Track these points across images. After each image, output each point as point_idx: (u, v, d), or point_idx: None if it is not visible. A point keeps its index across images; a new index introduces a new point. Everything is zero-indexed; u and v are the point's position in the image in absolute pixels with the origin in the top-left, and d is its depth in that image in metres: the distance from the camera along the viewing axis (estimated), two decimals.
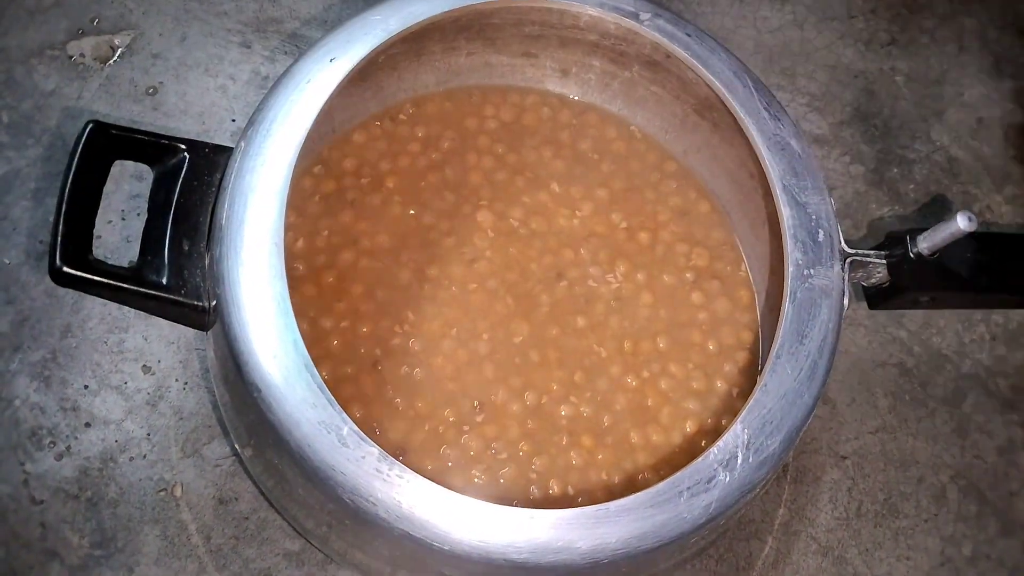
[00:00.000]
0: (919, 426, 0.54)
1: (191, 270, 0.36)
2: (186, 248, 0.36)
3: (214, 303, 0.35)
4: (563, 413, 0.40)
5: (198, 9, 0.60)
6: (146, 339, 0.51)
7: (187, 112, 0.57)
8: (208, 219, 0.37)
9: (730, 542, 0.50)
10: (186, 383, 0.51)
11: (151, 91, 0.57)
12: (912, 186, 0.61)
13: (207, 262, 0.36)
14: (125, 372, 0.51)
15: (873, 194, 0.60)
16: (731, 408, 0.40)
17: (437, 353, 0.40)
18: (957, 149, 0.63)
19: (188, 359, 0.51)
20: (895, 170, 0.61)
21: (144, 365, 0.51)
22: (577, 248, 0.44)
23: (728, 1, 0.64)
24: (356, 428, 0.32)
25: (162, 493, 0.48)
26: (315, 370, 0.33)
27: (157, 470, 0.49)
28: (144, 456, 0.49)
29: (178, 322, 0.38)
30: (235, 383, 0.35)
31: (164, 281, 0.36)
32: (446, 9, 0.40)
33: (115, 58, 0.58)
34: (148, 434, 0.49)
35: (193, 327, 0.38)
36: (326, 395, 0.32)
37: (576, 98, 0.49)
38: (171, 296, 0.36)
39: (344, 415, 0.32)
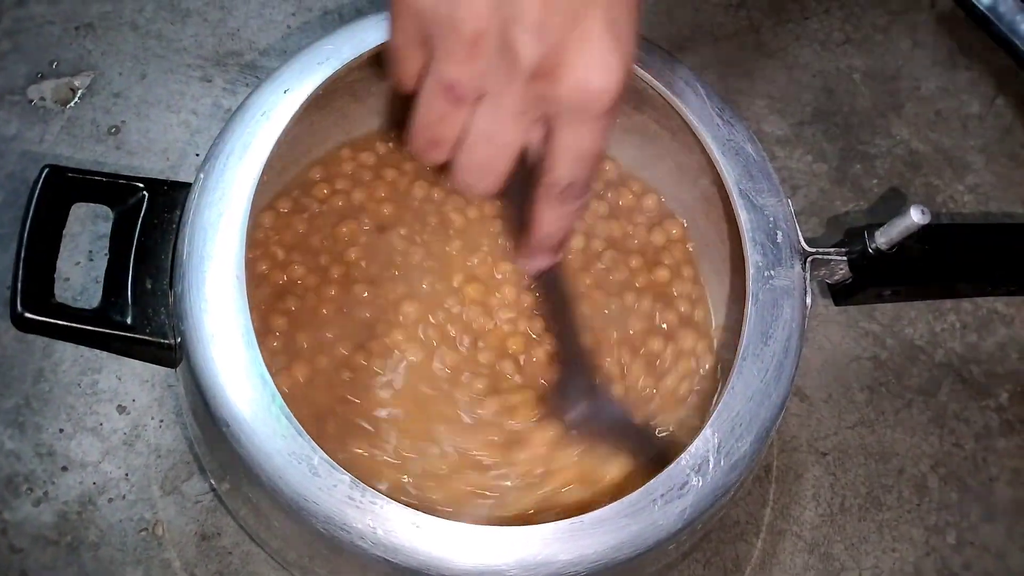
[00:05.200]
0: (897, 418, 0.55)
1: (155, 308, 0.36)
2: (149, 287, 0.37)
3: (179, 340, 0.35)
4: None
5: (157, 47, 0.60)
6: (120, 379, 0.51)
7: (151, 149, 0.57)
8: (170, 257, 0.37)
9: (716, 545, 0.51)
10: (162, 420, 0.50)
11: (113, 130, 0.57)
12: (875, 181, 0.62)
13: (171, 300, 0.36)
14: (100, 413, 0.50)
15: (837, 191, 0.61)
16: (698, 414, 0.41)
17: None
18: (917, 142, 0.63)
19: (163, 396, 0.50)
20: (858, 166, 0.62)
21: (119, 405, 0.51)
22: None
23: (683, 11, 0.65)
24: (326, 457, 0.32)
25: (144, 533, 0.48)
26: (282, 401, 0.33)
27: (137, 510, 0.48)
28: (123, 497, 0.49)
29: (146, 360, 0.38)
30: (204, 419, 0.35)
31: (128, 321, 0.36)
32: None
33: (76, 100, 0.58)
34: (126, 474, 0.49)
35: (162, 365, 0.38)
36: (294, 425, 0.32)
37: None
38: (136, 335, 0.36)
39: (314, 445, 0.32)
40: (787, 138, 0.62)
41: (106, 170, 0.43)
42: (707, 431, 0.34)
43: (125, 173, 0.38)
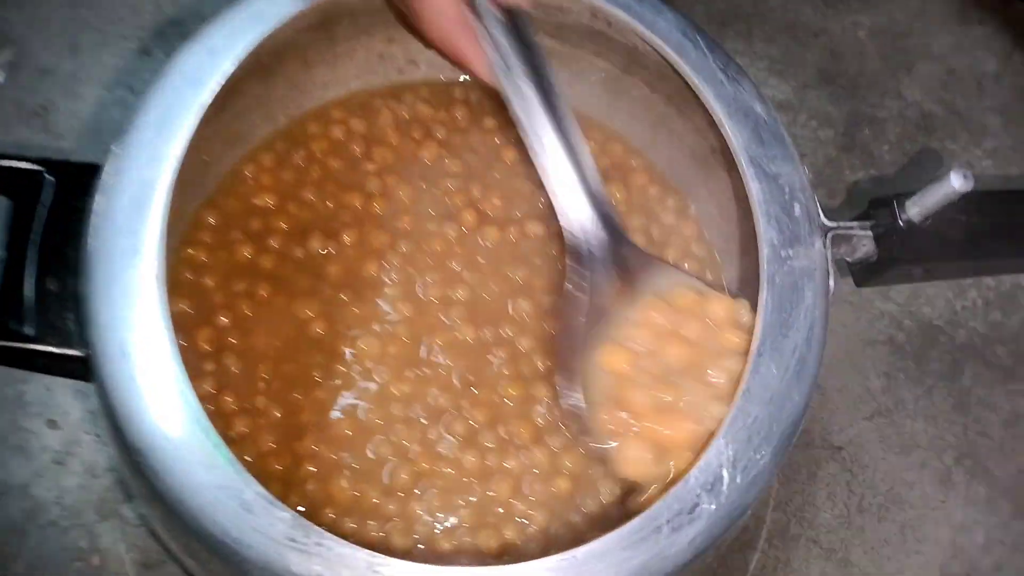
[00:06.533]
0: (917, 406, 0.50)
1: (60, 313, 0.31)
2: (53, 288, 0.31)
3: (87, 352, 0.29)
4: None
5: (89, 16, 0.53)
6: (48, 389, 0.45)
7: (82, 131, 0.51)
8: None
9: (723, 555, 0.46)
10: (98, 435, 0.45)
11: (40, 111, 0.51)
12: (886, 147, 0.56)
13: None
14: (27, 429, 0.45)
15: (846, 159, 0.55)
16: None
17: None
18: (930, 103, 0.58)
19: (99, 407, 0.45)
20: (867, 131, 0.57)
21: (49, 419, 0.45)
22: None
23: None
24: (263, 490, 0.27)
25: (79, 563, 0.42)
26: (209, 425, 0.27)
27: (71, 537, 0.43)
28: (55, 523, 0.43)
29: (54, 375, 0.32)
30: (119, 445, 0.29)
31: (29, 330, 0.30)
32: None
33: None
34: (58, 497, 0.43)
35: (75, 379, 0.32)
36: (223, 453, 0.27)
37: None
38: (37, 347, 0.30)
39: (247, 476, 0.27)
40: (789, 102, 0.56)
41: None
42: (719, 441, 0.29)
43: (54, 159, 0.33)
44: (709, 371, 0.32)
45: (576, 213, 0.34)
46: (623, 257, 0.34)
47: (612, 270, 0.34)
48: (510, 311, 0.37)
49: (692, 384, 0.32)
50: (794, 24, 0.59)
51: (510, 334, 0.37)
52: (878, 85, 0.58)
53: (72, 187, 0.32)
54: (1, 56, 0.52)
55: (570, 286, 0.34)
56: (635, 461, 0.31)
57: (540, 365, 0.36)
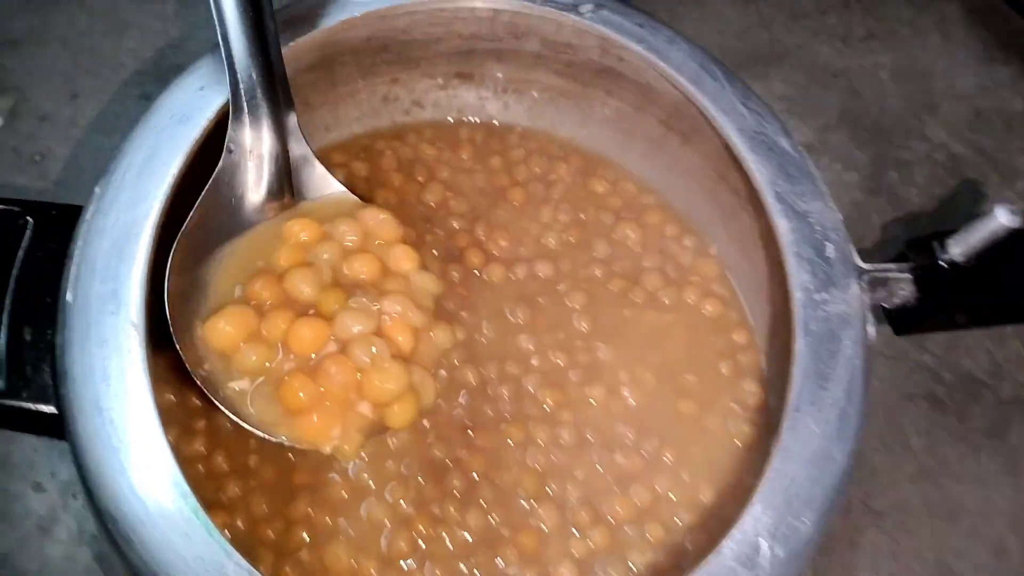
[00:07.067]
0: (963, 467, 0.46)
1: (35, 365, 0.28)
2: (28, 337, 0.28)
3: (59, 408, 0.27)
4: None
5: (89, 63, 0.52)
6: (36, 450, 0.43)
7: (80, 178, 0.49)
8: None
9: None
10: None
11: (38, 158, 0.50)
12: (915, 190, 0.54)
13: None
14: (11, 492, 0.42)
15: (872, 202, 0.53)
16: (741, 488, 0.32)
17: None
18: (957, 145, 0.56)
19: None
20: (893, 174, 0.54)
21: (34, 482, 0.42)
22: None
23: (686, 5, 0.58)
24: (245, 563, 0.24)
25: None
26: (187, 489, 0.24)
27: None
28: None
29: (27, 432, 0.29)
30: (92, 509, 0.26)
31: (0, 383, 0.28)
32: (343, 18, 0.33)
33: None
34: (41, 568, 0.40)
35: (49, 436, 0.30)
36: (202, 521, 0.24)
37: (526, 125, 0.42)
38: (7, 402, 0.27)
39: (228, 547, 0.24)
40: (811, 144, 0.54)
41: None
42: (756, 507, 0.26)
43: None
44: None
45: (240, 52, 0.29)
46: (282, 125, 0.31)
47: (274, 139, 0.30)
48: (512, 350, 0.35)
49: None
50: (812, 65, 0.57)
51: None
52: (902, 126, 0.56)
53: (52, 230, 0.30)
54: (0, 103, 0.51)
55: (231, 147, 0.30)
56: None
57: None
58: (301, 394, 0.27)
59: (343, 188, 0.33)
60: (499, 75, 0.41)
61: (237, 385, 0.27)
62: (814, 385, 0.28)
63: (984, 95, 0.58)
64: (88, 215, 0.29)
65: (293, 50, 0.33)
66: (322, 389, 0.28)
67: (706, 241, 0.39)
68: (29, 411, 0.28)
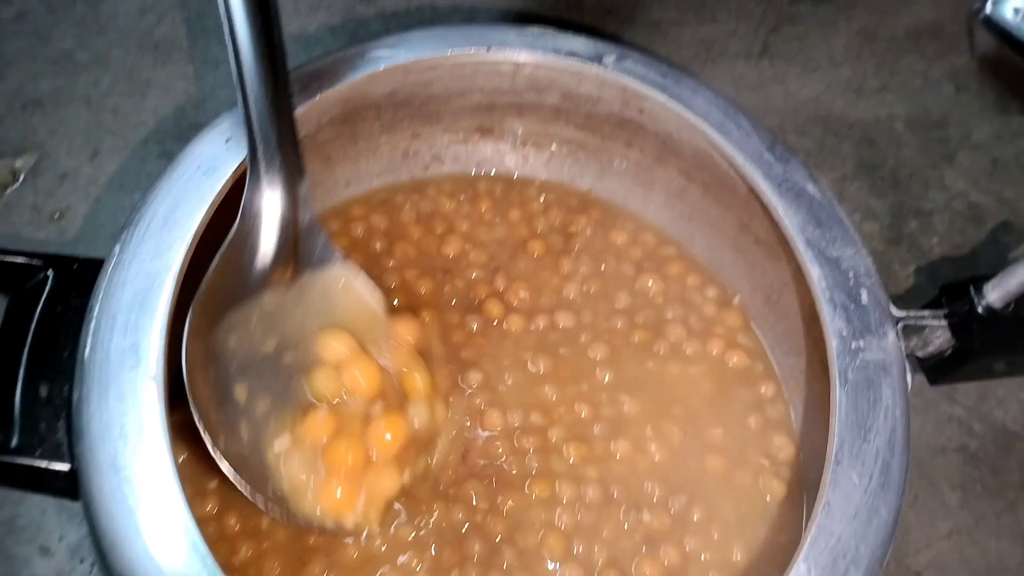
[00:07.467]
0: (999, 522, 0.45)
1: (50, 422, 0.28)
2: (44, 394, 0.28)
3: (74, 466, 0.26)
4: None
5: (111, 122, 0.53)
6: (44, 512, 0.41)
7: (99, 235, 0.49)
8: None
9: None
10: (94, 563, 0.40)
11: (57, 215, 0.50)
12: (935, 239, 0.53)
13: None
14: (18, 557, 0.41)
15: (894, 252, 0.52)
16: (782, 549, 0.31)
17: None
18: (976, 194, 0.56)
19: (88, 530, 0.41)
20: (913, 223, 0.54)
21: (41, 546, 0.41)
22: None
23: (699, 61, 0.58)
24: None
25: None
26: (207, 551, 0.23)
27: None
28: None
29: (40, 492, 0.28)
30: (105, 573, 0.25)
31: (13, 440, 0.27)
32: (367, 72, 0.33)
33: (16, 184, 0.51)
34: None
35: (62, 497, 0.29)
36: None
37: (544, 178, 0.42)
38: (18, 460, 0.27)
39: None
40: None
41: None
42: (800, 567, 0.25)
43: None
44: None
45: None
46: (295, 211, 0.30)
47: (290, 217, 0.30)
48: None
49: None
50: (826, 117, 0.57)
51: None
52: (920, 176, 0.56)
53: (72, 283, 0.30)
54: (23, 161, 0.52)
55: (246, 211, 0.29)
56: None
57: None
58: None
59: (343, 257, 0.32)
60: (519, 129, 0.41)
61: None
62: (855, 436, 0.27)
63: (1000, 144, 0.58)
64: (111, 266, 0.29)
65: (317, 103, 0.33)
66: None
67: (729, 292, 0.39)
68: (42, 470, 0.27)
